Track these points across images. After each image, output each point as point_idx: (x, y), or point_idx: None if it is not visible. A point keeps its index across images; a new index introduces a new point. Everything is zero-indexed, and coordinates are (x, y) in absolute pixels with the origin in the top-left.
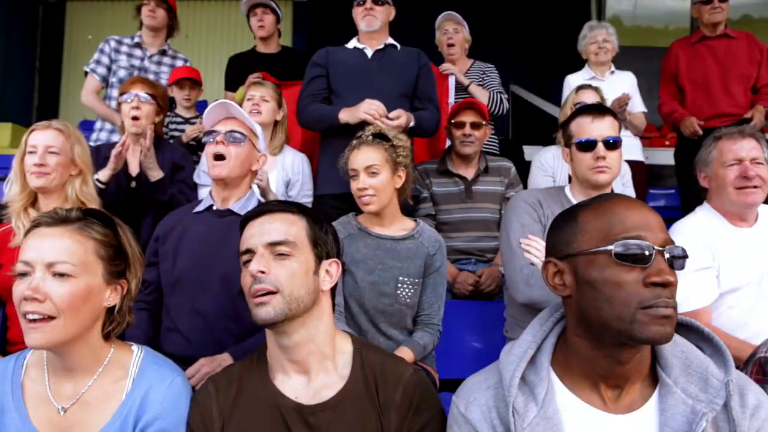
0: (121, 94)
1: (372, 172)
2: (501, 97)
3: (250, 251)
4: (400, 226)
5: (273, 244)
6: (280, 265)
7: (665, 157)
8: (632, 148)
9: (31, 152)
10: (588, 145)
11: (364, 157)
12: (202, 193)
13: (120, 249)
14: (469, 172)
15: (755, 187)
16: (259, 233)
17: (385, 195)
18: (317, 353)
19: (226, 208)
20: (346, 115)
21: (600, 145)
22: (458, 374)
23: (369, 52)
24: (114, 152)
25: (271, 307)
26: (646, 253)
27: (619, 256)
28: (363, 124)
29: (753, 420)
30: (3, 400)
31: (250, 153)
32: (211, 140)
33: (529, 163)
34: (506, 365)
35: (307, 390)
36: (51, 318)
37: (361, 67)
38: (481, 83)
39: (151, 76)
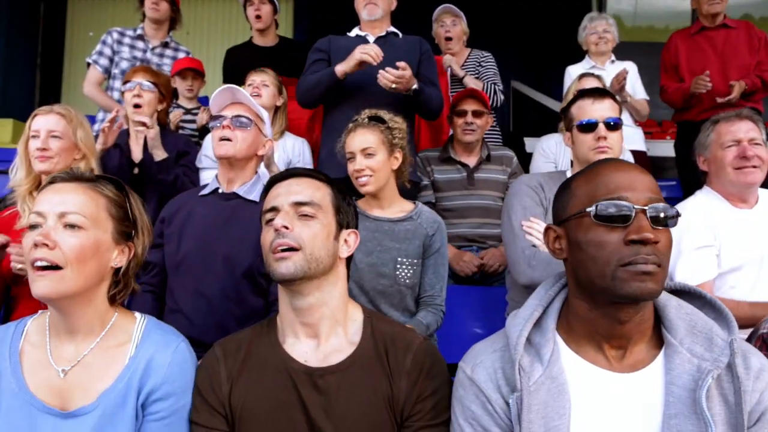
0: (125, 82)
1: (368, 153)
2: (495, 89)
3: (275, 209)
4: (399, 209)
5: (299, 204)
6: (303, 224)
7: (666, 149)
8: (635, 137)
9: (34, 137)
10: (589, 127)
11: (360, 139)
12: (204, 176)
13: (129, 212)
14: (471, 160)
15: (754, 166)
16: (285, 193)
17: (382, 176)
18: (329, 318)
19: (232, 191)
20: (342, 66)
21: (601, 126)
22: (460, 359)
23: (371, 39)
24: (102, 126)
25: (292, 262)
26: (625, 212)
27: (598, 217)
28: (366, 99)
29: (757, 382)
30: (0, 366)
31: (257, 137)
32: (218, 125)
33: (530, 155)
34: (512, 327)
35: (316, 354)
36: (59, 268)
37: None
38: (476, 74)
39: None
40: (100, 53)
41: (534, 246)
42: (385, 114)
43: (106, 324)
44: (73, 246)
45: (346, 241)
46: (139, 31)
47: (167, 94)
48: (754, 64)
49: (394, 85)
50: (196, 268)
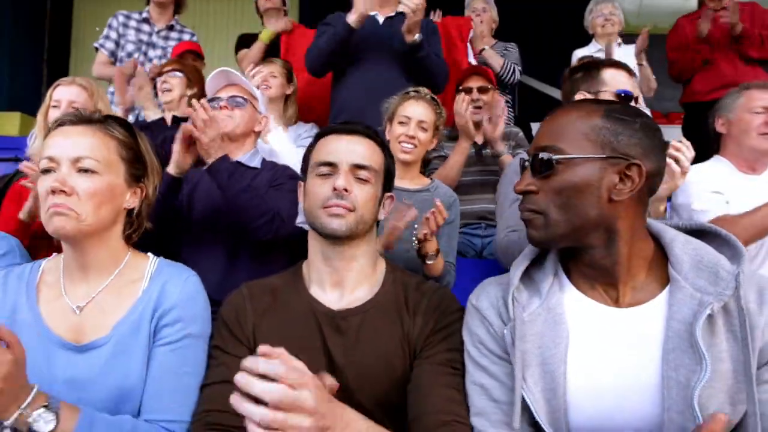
0: (152, 78)
1: (422, 127)
2: (514, 67)
3: (333, 165)
4: (419, 181)
5: (358, 167)
6: (359, 187)
7: (673, 134)
8: None
9: (54, 107)
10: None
11: (421, 110)
12: None
13: (139, 153)
14: (479, 137)
15: None
16: (345, 150)
17: (423, 151)
18: (358, 271)
19: (236, 160)
20: (353, 17)
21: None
22: None
23: (380, 19)
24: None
25: (345, 221)
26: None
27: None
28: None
29: None
30: (17, 300)
31: (253, 114)
32: (215, 106)
33: None
34: (515, 264)
35: (340, 302)
36: (68, 209)
37: (371, 31)
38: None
39: (158, 51)
40: (107, 37)
41: (515, 231)
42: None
43: (120, 263)
44: (88, 190)
45: (382, 204)
46: (144, 15)
47: (195, 81)
48: None
49: (414, 11)
50: (204, 234)
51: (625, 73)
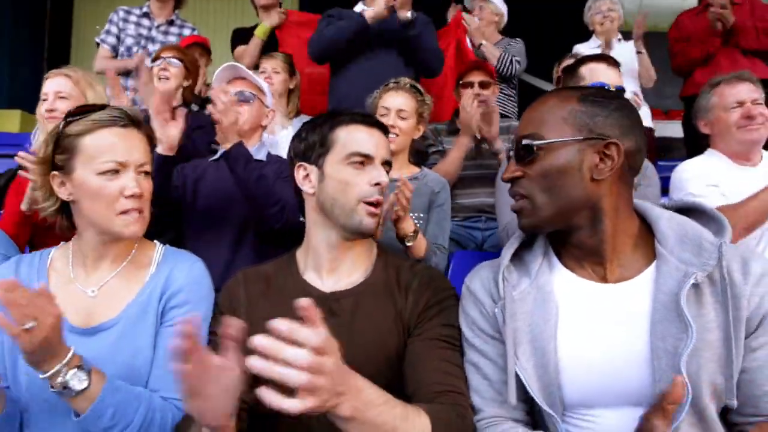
0: (153, 60)
1: (402, 116)
2: (512, 59)
3: (371, 158)
4: (407, 171)
5: (387, 163)
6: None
7: (673, 130)
8: (641, 114)
9: (43, 99)
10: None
11: (399, 100)
12: None
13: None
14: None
15: (759, 124)
16: (377, 146)
17: (406, 139)
18: (356, 257)
19: None
20: (371, 13)
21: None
22: None
23: None
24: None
25: (377, 220)
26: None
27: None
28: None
29: (757, 287)
30: (29, 286)
31: (260, 109)
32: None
33: None
34: (506, 246)
35: (334, 286)
36: (141, 211)
37: (366, 25)
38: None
39: (158, 46)
40: (108, 32)
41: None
42: (420, 87)
43: (131, 252)
44: (150, 190)
45: None
46: (144, 9)
47: (193, 71)
48: None
49: None
50: (208, 225)
51: (605, 64)
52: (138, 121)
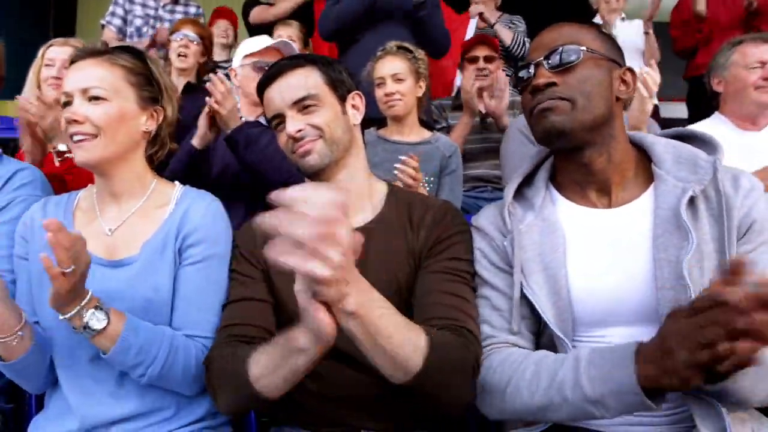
0: (171, 33)
1: (398, 79)
2: (524, 40)
3: (280, 116)
4: (418, 135)
5: (298, 102)
6: (311, 116)
7: (677, 110)
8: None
9: (48, 65)
10: None
11: (390, 65)
12: None
13: (150, 77)
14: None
15: None
16: (279, 96)
17: (410, 100)
18: (357, 194)
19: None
20: None
21: None
22: None
23: None
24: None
25: (316, 153)
26: (527, 71)
27: (518, 80)
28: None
29: (746, 199)
30: None
31: None
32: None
33: None
34: (508, 184)
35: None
36: (94, 136)
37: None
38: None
39: (166, 25)
40: (113, 14)
41: None
42: (409, 45)
43: (147, 188)
44: (100, 116)
45: (353, 106)
46: None
47: (209, 50)
48: None
49: None
50: (223, 190)
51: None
52: (96, 51)
